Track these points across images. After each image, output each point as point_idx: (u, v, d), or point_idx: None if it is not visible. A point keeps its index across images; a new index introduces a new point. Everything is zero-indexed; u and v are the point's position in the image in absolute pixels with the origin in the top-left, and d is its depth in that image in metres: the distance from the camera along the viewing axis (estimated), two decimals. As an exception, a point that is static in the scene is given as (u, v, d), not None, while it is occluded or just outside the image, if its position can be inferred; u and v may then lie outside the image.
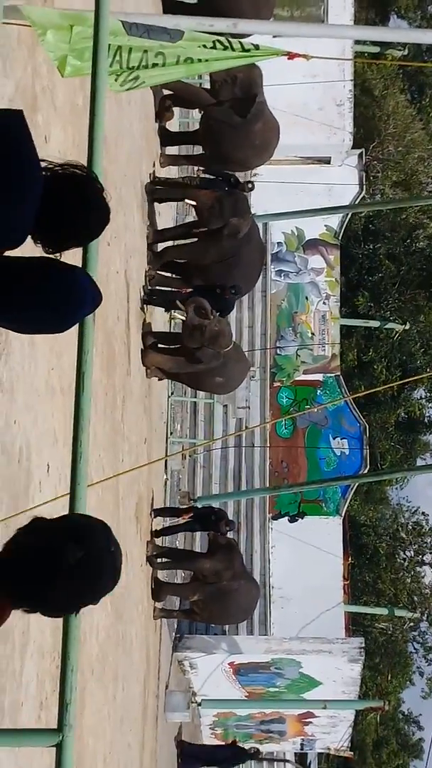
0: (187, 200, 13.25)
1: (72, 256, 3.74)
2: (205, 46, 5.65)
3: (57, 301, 3.40)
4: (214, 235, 12.77)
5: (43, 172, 3.32)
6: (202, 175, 13.73)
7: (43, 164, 3.36)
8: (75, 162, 3.44)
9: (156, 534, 13.68)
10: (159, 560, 13.63)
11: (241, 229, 12.82)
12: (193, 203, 13.08)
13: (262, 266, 14.32)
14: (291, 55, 5.78)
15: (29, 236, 3.35)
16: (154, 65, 5.81)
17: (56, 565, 2.74)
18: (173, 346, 12.99)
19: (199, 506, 14.29)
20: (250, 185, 13.27)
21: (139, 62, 5.75)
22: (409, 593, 28.81)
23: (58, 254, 3.43)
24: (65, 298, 3.41)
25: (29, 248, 3.44)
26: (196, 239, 13.27)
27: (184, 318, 12.53)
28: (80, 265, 4.04)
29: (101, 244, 4.36)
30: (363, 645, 18.20)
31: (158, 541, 13.72)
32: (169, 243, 13.82)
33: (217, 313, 12.68)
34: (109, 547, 2.83)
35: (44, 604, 2.84)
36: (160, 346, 12.95)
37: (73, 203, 3.33)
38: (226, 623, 16.60)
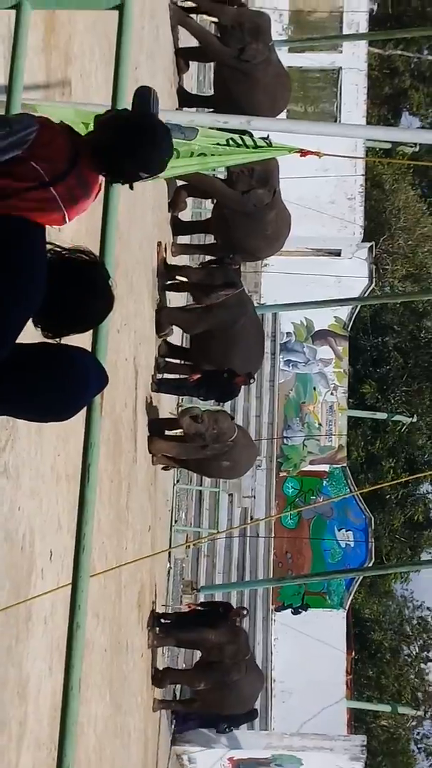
0: (178, 277, 13.37)
1: (81, 344, 3.72)
2: (219, 144, 5.71)
3: (61, 386, 3.25)
4: (208, 308, 12.91)
5: (49, 255, 3.22)
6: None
7: (49, 246, 3.26)
8: (83, 247, 3.34)
9: (157, 623, 13.48)
10: (160, 649, 13.43)
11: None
12: (185, 279, 13.23)
13: (263, 339, 14.36)
14: (303, 153, 5.84)
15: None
16: None
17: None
18: (180, 433, 12.98)
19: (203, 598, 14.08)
20: (235, 257, 13.41)
21: None
22: (412, 690, 28.31)
23: (57, 339, 3.30)
24: (68, 381, 3.26)
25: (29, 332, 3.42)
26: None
27: (181, 431, 12.60)
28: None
29: (111, 331, 4.34)
30: (365, 743, 17.84)
31: (158, 630, 13.54)
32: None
33: (216, 406, 12.69)
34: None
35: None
36: (166, 433, 12.94)
37: (78, 290, 3.20)
38: (221, 712, 16.24)
